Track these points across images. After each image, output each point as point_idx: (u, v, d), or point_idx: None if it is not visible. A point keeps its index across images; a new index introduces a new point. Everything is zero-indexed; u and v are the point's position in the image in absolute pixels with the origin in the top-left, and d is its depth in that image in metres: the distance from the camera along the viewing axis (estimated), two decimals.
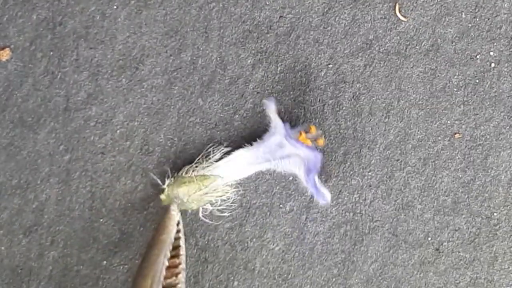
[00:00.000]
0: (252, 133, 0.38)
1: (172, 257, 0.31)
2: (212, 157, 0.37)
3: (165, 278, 0.30)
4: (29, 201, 0.38)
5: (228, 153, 0.37)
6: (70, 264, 0.38)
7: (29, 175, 0.38)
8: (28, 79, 0.38)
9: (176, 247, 0.31)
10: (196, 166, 0.37)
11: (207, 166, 0.37)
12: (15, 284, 0.37)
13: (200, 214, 0.37)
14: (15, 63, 0.38)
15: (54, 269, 0.38)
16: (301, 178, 0.36)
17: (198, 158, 0.38)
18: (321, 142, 0.38)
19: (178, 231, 0.32)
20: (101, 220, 0.38)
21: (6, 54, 0.38)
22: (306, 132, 0.37)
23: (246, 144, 0.37)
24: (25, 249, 0.38)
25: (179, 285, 0.30)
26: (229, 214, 0.38)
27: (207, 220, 0.37)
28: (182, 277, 0.30)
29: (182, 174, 0.37)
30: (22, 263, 0.38)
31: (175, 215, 0.32)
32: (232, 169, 0.36)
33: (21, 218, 0.38)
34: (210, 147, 0.38)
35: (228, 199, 0.37)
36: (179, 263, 0.30)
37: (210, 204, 0.37)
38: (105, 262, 0.38)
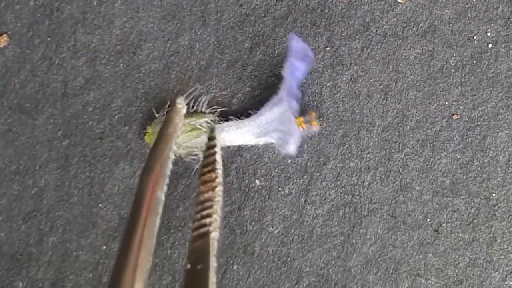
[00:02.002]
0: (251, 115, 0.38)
1: (208, 171, 0.29)
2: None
3: (202, 192, 0.29)
4: (28, 187, 0.38)
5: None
6: (70, 250, 0.38)
7: (28, 161, 0.38)
8: (26, 65, 0.38)
9: (212, 162, 0.29)
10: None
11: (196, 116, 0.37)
12: (14, 270, 0.37)
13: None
14: (12, 49, 0.38)
15: (53, 254, 0.38)
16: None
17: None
18: (315, 123, 0.38)
19: (214, 146, 0.30)
20: (100, 205, 0.38)
21: (3, 40, 0.38)
22: (305, 120, 0.37)
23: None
24: (24, 235, 0.38)
25: (216, 199, 0.28)
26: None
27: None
28: (219, 190, 0.28)
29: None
30: (21, 249, 0.38)
31: (181, 108, 0.30)
32: (223, 131, 0.36)
33: (20, 204, 0.38)
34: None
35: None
36: (216, 177, 0.29)
37: (193, 149, 0.36)
38: (104, 247, 0.38)
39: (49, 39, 0.38)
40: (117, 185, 0.38)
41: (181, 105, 0.30)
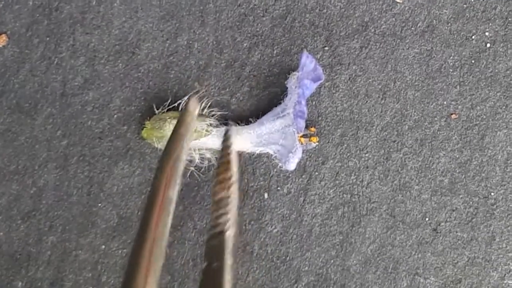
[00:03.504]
0: (249, 116, 0.38)
1: (223, 171, 0.30)
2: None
3: (217, 192, 0.30)
4: (27, 186, 0.38)
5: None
6: (69, 249, 0.38)
7: (27, 161, 0.38)
8: (25, 65, 0.38)
9: (227, 162, 0.30)
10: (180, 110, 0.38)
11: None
12: (14, 269, 0.38)
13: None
14: (11, 49, 0.38)
15: (52, 254, 0.38)
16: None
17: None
18: (314, 140, 0.38)
19: (229, 147, 0.31)
20: (99, 204, 0.38)
21: (2, 40, 0.38)
22: (304, 135, 0.37)
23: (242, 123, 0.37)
24: (23, 234, 0.38)
25: (231, 198, 0.30)
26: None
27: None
28: (234, 189, 0.29)
29: (166, 111, 0.37)
30: (20, 248, 0.38)
31: (194, 109, 0.31)
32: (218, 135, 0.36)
33: (20, 203, 0.38)
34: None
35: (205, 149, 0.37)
36: (230, 177, 0.30)
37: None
38: (103, 246, 0.38)
39: (48, 39, 0.38)
40: (116, 185, 0.38)
41: (194, 106, 0.31)
